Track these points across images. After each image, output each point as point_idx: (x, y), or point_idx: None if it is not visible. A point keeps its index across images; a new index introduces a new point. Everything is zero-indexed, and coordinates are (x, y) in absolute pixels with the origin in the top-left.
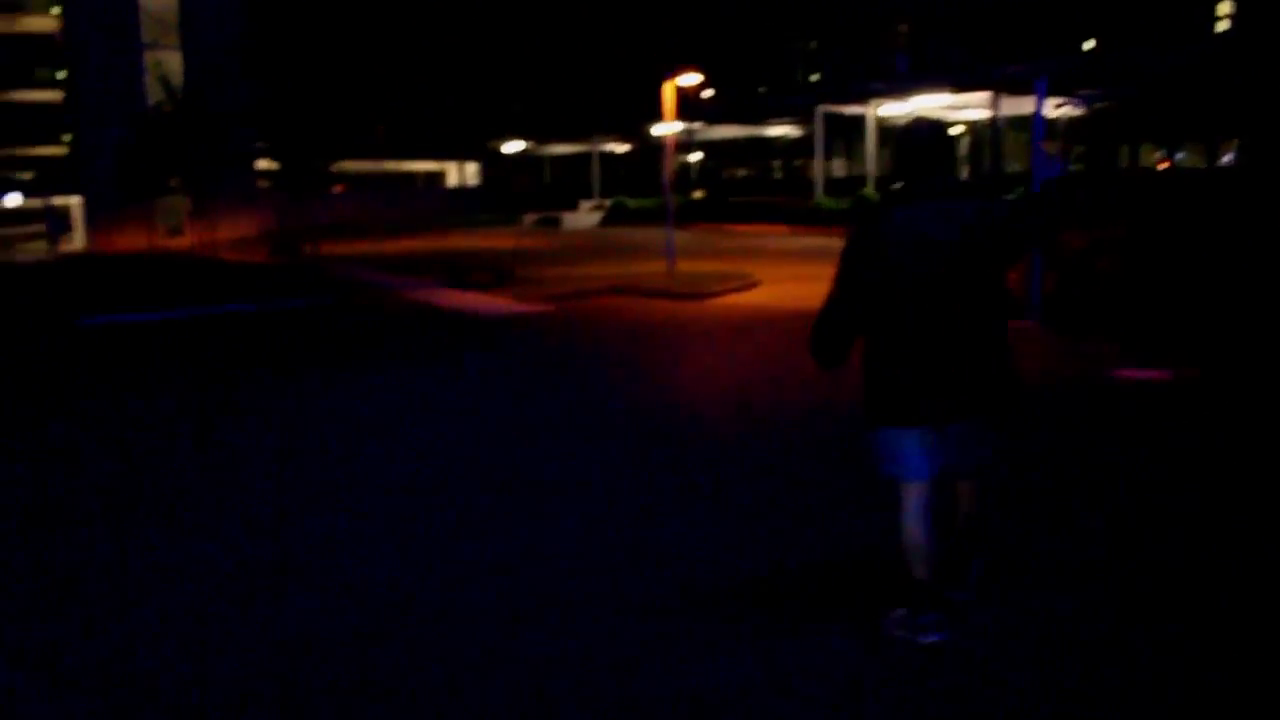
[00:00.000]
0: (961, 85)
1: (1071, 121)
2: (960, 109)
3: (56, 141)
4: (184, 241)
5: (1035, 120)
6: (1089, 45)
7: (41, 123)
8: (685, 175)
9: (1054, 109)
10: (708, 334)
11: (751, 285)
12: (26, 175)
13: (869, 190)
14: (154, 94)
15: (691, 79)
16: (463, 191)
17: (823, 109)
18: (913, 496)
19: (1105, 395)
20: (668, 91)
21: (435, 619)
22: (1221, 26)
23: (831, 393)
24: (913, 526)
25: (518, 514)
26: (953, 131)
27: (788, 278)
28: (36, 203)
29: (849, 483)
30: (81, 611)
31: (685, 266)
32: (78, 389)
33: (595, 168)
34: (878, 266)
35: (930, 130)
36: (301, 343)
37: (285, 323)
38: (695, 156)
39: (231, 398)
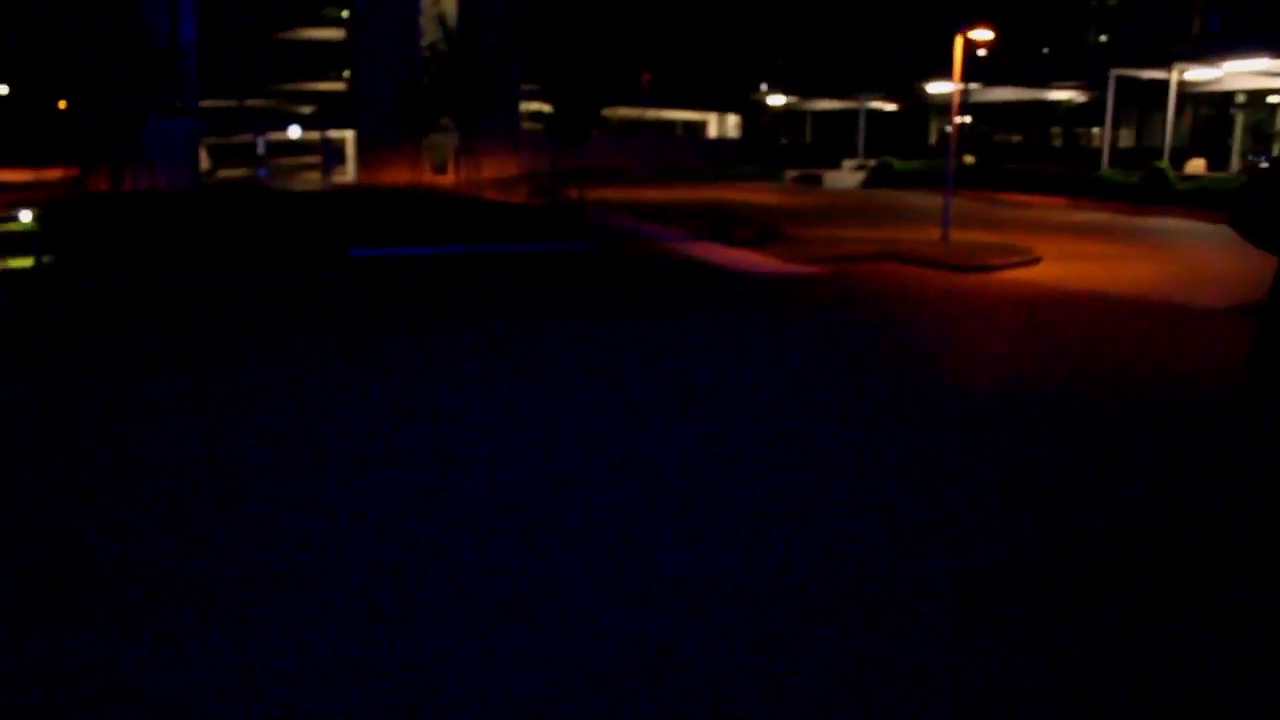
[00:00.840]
0: None
1: None
2: None
3: (336, 78)
4: (448, 179)
5: None
6: None
7: (324, 59)
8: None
9: None
10: (990, 312)
11: (1033, 261)
12: (307, 109)
13: (1164, 163)
14: (429, 33)
15: (983, 34)
16: (722, 143)
17: (1116, 72)
18: None
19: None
20: (957, 47)
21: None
22: None
23: (1144, 386)
24: None
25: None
26: (1271, 100)
27: (1071, 255)
28: (314, 135)
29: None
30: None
31: (958, 235)
32: (357, 321)
33: (860, 125)
34: None
35: None
36: (563, 287)
37: (547, 265)
38: (964, 119)
39: (493, 335)
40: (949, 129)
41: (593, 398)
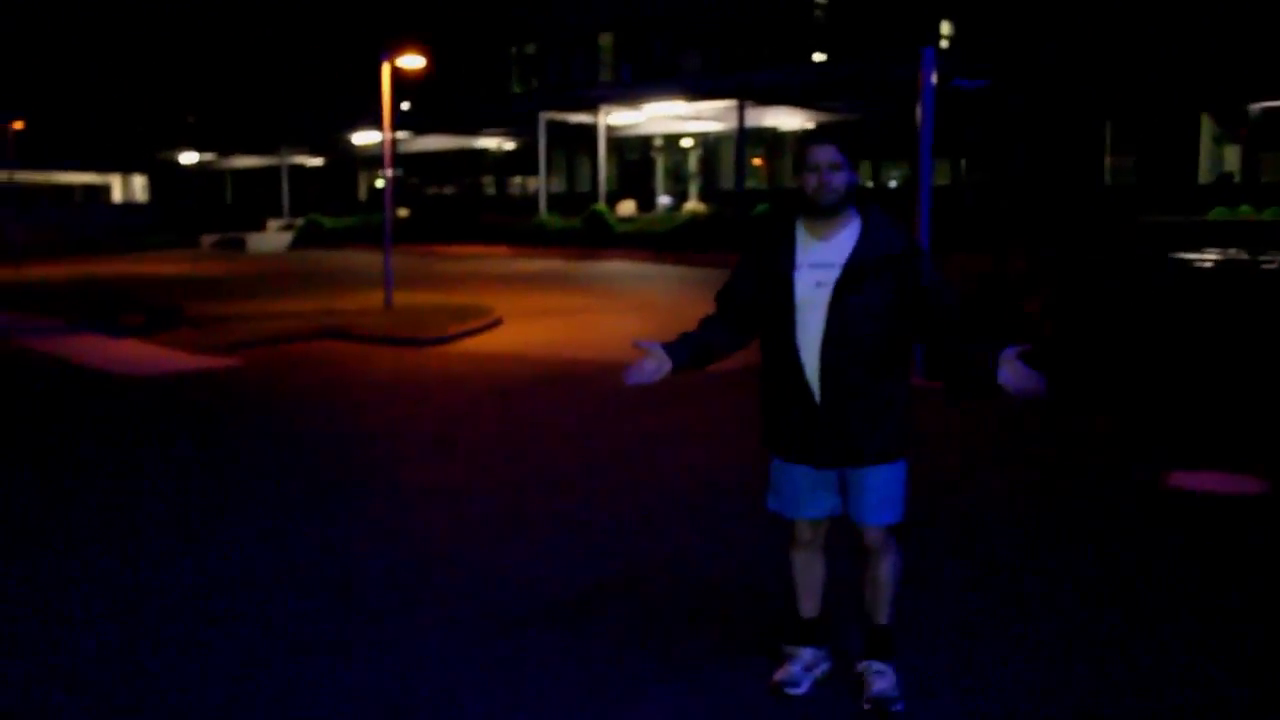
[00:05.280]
0: (698, 93)
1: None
2: (694, 119)
3: None
4: None
5: (924, 115)
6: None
7: None
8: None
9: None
10: (457, 404)
11: (493, 324)
12: None
13: (601, 206)
14: None
15: (414, 61)
16: (130, 208)
17: (546, 116)
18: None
19: (1184, 523)
20: (385, 76)
21: None
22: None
23: (669, 492)
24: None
25: None
26: (684, 144)
27: (532, 312)
28: None
29: None
30: None
31: (405, 298)
32: None
33: (284, 183)
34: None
35: None
36: None
37: None
38: (396, 172)
39: None
40: (379, 183)
41: None
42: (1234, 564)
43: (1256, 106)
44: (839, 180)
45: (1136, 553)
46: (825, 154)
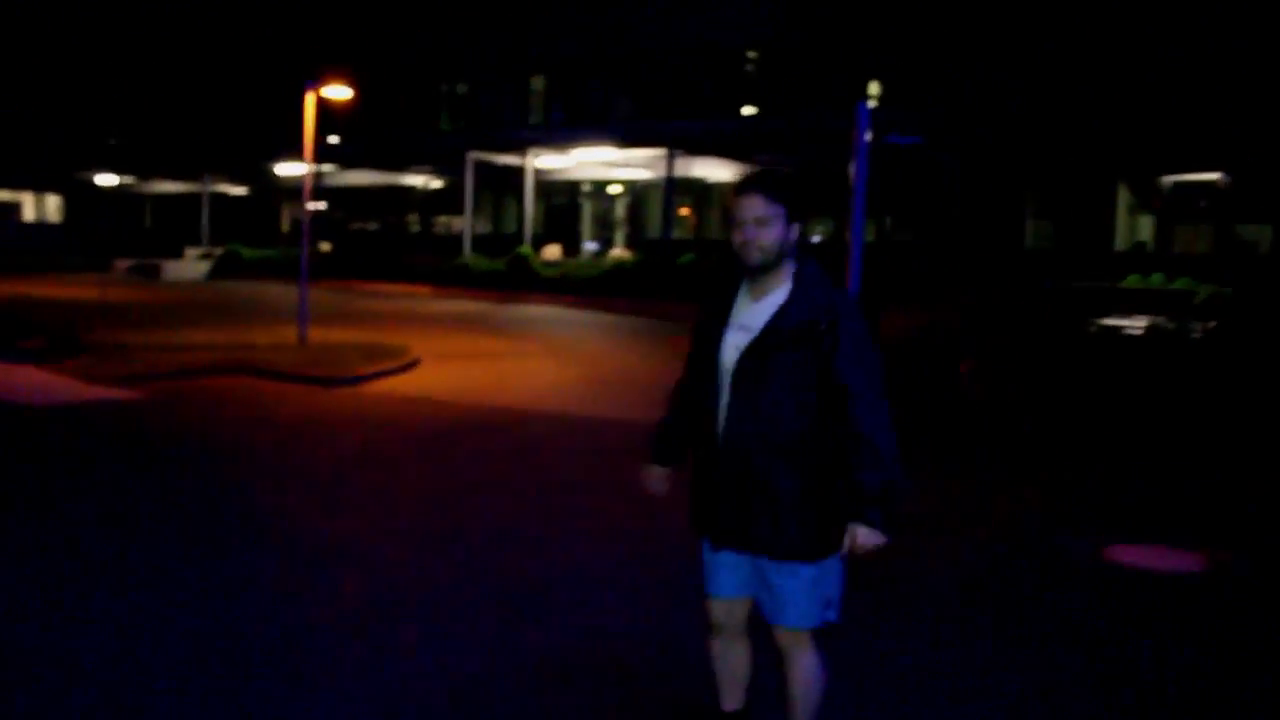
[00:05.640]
0: (628, 140)
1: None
2: (623, 166)
3: None
4: None
5: (857, 171)
6: (748, 110)
7: None
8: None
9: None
10: (365, 452)
11: (410, 365)
12: None
13: (526, 249)
14: None
15: (340, 92)
16: (43, 228)
17: (473, 156)
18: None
19: (1131, 608)
20: (309, 106)
21: None
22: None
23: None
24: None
25: None
26: (612, 191)
27: (451, 353)
28: None
29: None
30: None
31: (320, 335)
32: None
33: (205, 211)
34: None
35: None
36: None
37: None
38: (320, 205)
39: None
40: (301, 216)
41: None
42: (1170, 638)
43: (1169, 180)
44: (769, 236)
45: (1073, 627)
46: (753, 207)
